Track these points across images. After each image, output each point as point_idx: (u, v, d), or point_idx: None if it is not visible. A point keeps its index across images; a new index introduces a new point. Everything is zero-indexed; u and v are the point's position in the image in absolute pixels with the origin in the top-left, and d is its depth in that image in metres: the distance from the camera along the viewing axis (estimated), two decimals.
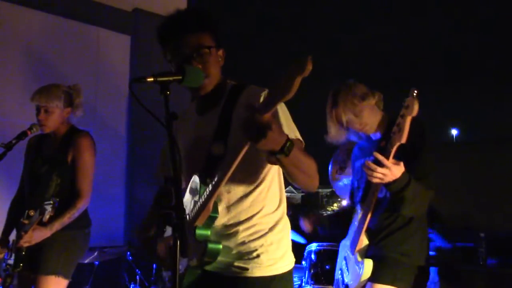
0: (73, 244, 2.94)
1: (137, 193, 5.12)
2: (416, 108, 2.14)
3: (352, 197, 2.87)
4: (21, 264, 2.75)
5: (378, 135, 2.63)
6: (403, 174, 2.26)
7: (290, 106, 1.78)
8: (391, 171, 2.23)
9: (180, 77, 1.55)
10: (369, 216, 2.43)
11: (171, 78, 1.51)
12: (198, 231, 1.70)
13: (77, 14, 4.96)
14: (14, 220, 3.01)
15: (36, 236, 2.75)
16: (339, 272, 2.78)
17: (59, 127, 3.00)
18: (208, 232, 1.73)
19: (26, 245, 2.73)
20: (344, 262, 2.70)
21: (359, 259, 2.52)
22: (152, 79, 1.47)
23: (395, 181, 2.26)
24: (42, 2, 4.76)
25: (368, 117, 2.56)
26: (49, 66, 4.69)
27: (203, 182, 1.73)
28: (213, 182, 1.65)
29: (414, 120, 2.45)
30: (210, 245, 1.71)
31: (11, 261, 2.81)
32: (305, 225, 2.99)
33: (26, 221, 2.72)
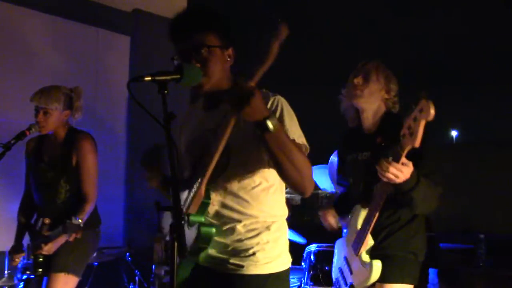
0: (83, 243, 2.96)
1: (137, 193, 5.11)
2: (432, 112, 2.03)
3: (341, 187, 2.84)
4: (39, 270, 2.81)
5: (371, 129, 2.62)
6: (412, 174, 2.25)
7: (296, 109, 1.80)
8: (402, 172, 2.22)
9: (178, 76, 1.54)
10: (376, 217, 2.40)
11: (168, 77, 1.51)
12: (192, 218, 1.70)
13: (76, 15, 4.95)
14: (26, 225, 3.06)
15: (55, 245, 2.80)
16: (338, 271, 2.76)
17: (58, 129, 2.99)
18: (202, 219, 1.72)
19: (46, 253, 2.78)
20: (344, 262, 2.68)
21: (366, 260, 2.49)
22: (150, 78, 1.47)
23: (405, 181, 2.24)
24: (42, 2, 4.75)
25: (372, 93, 2.57)
26: (49, 67, 4.68)
27: (198, 175, 1.73)
28: (204, 166, 1.66)
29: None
30: (203, 228, 1.71)
31: (27, 266, 2.86)
32: (328, 220, 2.80)
33: (46, 233, 2.77)
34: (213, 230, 1.74)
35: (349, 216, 2.67)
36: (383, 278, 2.45)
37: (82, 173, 2.96)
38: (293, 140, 1.68)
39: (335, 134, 2.96)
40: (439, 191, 2.40)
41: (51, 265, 2.85)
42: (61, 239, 2.81)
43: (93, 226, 3.03)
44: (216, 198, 1.77)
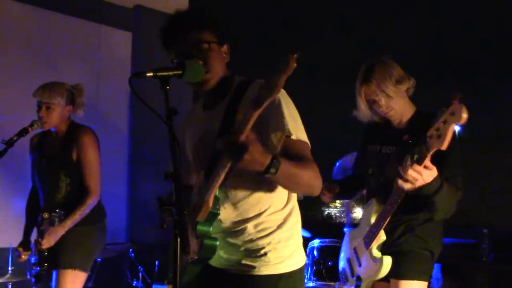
0: (89, 238, 2.98)
1: (139, 190, 5.12)
2: (464, 116, 1.92)
3: (358, 169, 2.81)
4: (45, 264, 2.84)
5: (401, 124, 2.56)
6: (434, 179, 2.21)
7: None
8: (422, 176, 2.17)
9: (180, 72, 1.54)
10: (391, 215, 2.37)
11: (171, 73, 1.51)
12: (199, 227, 1.70)
13: (78, 11, 4.95)
14: (33, 220, 3.07)
15: (53, 238, 2.82)
16: (346, 262, 2.74)
17: (60, 124, 2.99)
18: (209, 229, 1.71)
19: (46, 247, 2.81)
20: (353, 253, 2.66)
21: (377, 255, 2.47)
22: (151, 74, 1.47)
23: (427, 185, 2.21)
24: None
25: (396, 103, 2.48)
26: (50, 63, 4.68)
27: (207, 178, 1.72)
28: (211, 180, 1.65)
29: None
30: (206, 241, 1.70)
31: (35, 261, 2.89)
32: (325, 196, 2.79)
33: (42, 228, 2.82)
34: (217, 243, 1.73)
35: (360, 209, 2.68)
36: (401, 274, 2.42)
37: (83, 167, 2.94)
38: (299, 140, 1.67)
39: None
40: (458, 196, 2.38)
41: (58, 261, 2.86)
42: (58, 231, 2.82)
43: (97, 220, 3.03)
44: (226, 201, 1.75)
